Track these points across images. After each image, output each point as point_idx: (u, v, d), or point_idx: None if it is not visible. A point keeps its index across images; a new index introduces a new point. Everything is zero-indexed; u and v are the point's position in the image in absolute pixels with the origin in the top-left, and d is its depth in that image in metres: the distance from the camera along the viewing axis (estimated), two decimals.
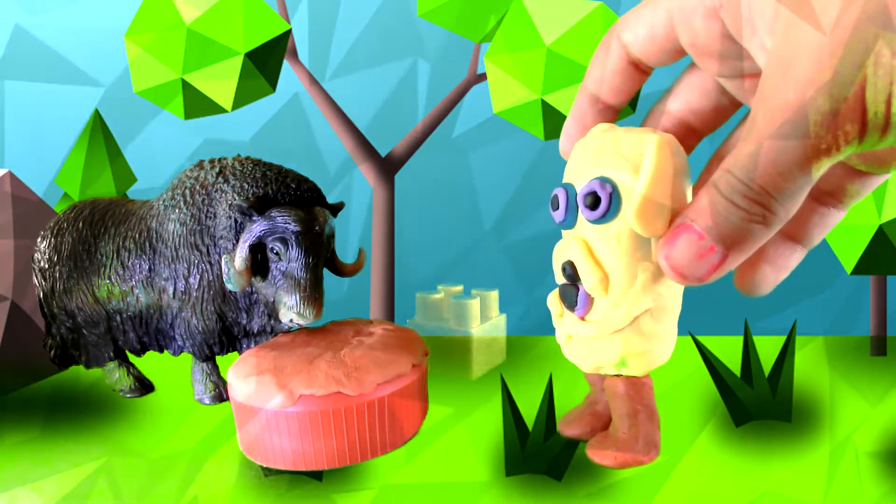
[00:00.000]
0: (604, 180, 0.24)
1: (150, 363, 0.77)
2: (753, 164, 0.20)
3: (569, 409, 0.31)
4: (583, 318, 0.27)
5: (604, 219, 0.25)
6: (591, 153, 0.26)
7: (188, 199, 0.62)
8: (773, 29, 0.20)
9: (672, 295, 0.26)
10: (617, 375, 0.27)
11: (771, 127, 0.20)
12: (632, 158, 0.24)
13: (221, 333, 0.64)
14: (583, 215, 0.25)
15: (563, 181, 0.27)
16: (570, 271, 0.26)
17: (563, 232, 0.27)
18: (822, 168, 0.20)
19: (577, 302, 0.26)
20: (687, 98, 0.27)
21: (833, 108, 0.19)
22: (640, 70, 0.26)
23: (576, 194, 0.26)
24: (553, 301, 0.28)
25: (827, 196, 0.25)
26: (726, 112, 0.27)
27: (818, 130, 0.19)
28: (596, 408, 0.29)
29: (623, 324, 0.25)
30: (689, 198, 0.25)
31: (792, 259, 0.26)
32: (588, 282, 0.26)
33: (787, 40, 0.20)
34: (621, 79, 0.26)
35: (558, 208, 0.26)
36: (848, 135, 0.19)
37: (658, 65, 0.26)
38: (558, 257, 0.27)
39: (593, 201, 0.25)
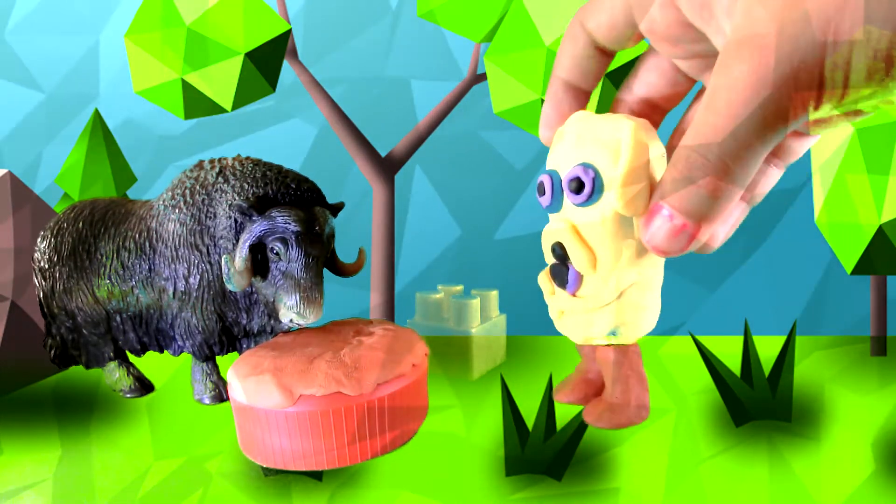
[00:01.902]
0: (586, 166, 0.27)
1: (150, 363, 0.77)
2: (713, 137, 0.22)
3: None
4: (574, 295, 0.29)
5: (588, 202, 0.27)
6: (571, 141, 0.28)
7: (188, 199, 0.62)
8: (731, 10, 0.22)
9: (655, 268, 0.28)
10: (607, 345, 0.29)
11: (729, 99, 0.21)
12: (610, 144, 0.26)
13: (221, 333, 0.64)
14: (568, 199, 0.28)
15: (547, 168, 0.29)
16: (560, 252, 0.28)
17: (550, 215, 0.29)
18: (779, 135, 0.21)
19: (568, 280, 0.28)
20: (647, 79, 0.29)
21: (791, 76, 0.20)
22: (605, 54, 0.28)
23: (560, 180, 0.28)
24: (544, 280, 0.30)
25: (770, 156, 0.27)
26: (684, 89, 0.29)
27: (777, 99, 0.21)
28: (588, 376, 0.32)
29: (612, 297, 0.28)
30: None
31: (739, 215, 0.28)
32: (578, 261, 0.28)
33: (749, 15, 0.21)
34: (589, 64, 0.28)
35: (545, 194, 0.28)
36: (805, 102, 0.21)
37: (620, 49, 0.28)
38: (548, 239, 0.29)
39: (577, 186, 0.27)
